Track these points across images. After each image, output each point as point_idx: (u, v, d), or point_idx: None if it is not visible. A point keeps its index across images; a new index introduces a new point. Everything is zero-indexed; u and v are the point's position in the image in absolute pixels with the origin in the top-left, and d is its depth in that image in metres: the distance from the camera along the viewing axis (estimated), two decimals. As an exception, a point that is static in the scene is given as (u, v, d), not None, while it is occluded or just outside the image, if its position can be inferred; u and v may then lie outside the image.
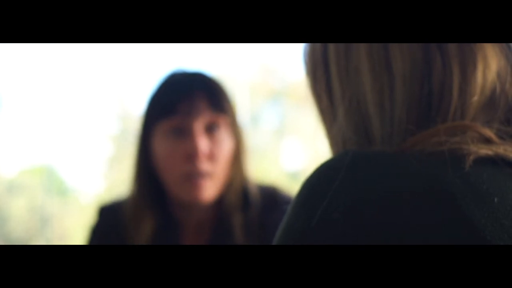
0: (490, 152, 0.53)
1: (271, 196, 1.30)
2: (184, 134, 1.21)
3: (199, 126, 1.21)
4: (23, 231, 5.64)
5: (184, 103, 1.21)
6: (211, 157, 1.21)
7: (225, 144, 1.23)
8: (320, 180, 0.52)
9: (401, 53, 0.58)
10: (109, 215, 1.32)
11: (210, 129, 1.22)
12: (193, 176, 1.21)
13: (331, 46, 0.62)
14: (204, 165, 1.20)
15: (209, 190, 1.22)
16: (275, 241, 0.52)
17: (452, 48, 0.58)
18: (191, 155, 1.20)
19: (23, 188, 5.73)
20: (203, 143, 1.20)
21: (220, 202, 1.27)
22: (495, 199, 0.49)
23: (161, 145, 1.23)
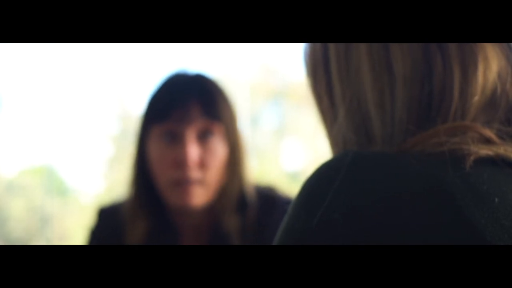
0: (490, 153, 0.53)
1: (268, 198, 1.29)
2: (176, 140, 1.21)
3: (191, 133, 1.20)
4: (23, 231, 5.64)
5: (178, 109, 1.21)
6: (202, 164, 1.21)
7: (219, 151, 1.23)
8: (320, 181, 0.52)
9: (401, 53, 0.58)
10: (108, 217, 1.32)
11: (203, 136, 1.22)
12: (182, 183, 1.20)
13: (331, 47, 0.62)
14: (194, 173, 1.20)
15: (199, 196, 1.21)
16: (275, 241, 0.52)
17: (452, 48, 0.58)
18: (181, 162, 1.19)
19: (23, 188, 5.73)
20: (193, 150, 1.19)
21: (215, 206, 1.26)
22: (495, 200, 0.49)
23: (154, 149, 1.23)
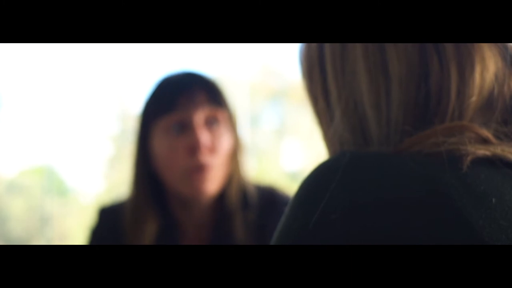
0: (487, 153, 0.53)
1: (269, 197, 1.30)
2: (185, 128, 1.22)
3: (199, 119, 1.21)
4: (23, 231, 5.63)
5: (183, 98, 1.22)
6: (212, 150, 1.22)
7: (225, 138, 1.24)
8: (317, 181, 0.52)
9: (397, 55, 0.58)
10: (109, 217, 1.32)
11: (210, 123, 1.23)
12: (196, 169, 1.21)
13: (327, 47, 0.62)
14: (206, 158, 1.21)
15: (211, 182, 1.22)
16: (273, 241, 0.52)
17: (449, 49, 0.58)
18: (194, 148, 1.20)
19: (23, 188, 5.73)
20: (204, 135, 1.21)
21: (219, 201, 1.27)
22: (493, 200, 0.49)
23: (161, 142, 1.23)
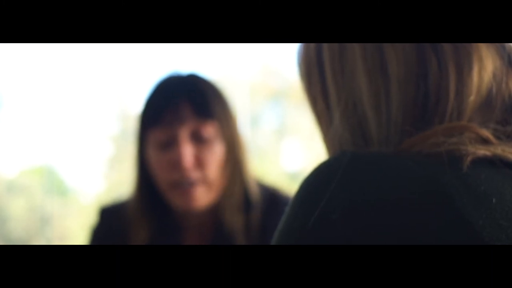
0: (488, 153, 0.53)
1: (272, 197, 1.29)
2: (170, 143, 1.21)
3: (184, 134, 1.20)
4: (23, 231, 5.63)
5: (169, 112, 1.21)
6: (199, 164, 1.21)
7: (215, 149, 1.22)
8: (318, 181, 0.52)
9: (395, 55, 0.58)
10: (110, 217, 1.32)
11: (197, 137, 1.21)
12: (182, 185, 1.20)
13: (325, 49, 0.62)
14: (192, 173, 1.20)
15: (201, 196, 1.21)
16: (273, 241, 0.52)
17: (447, 49, 0.58)
18: (177, 164, 1.19)
19: (23, 188, 5.72)
20: (187, 151, 1.19)
21: (218, 206, 1.26)
22: (493, 200, 0.49)
23: (151, 153, 1.23)
